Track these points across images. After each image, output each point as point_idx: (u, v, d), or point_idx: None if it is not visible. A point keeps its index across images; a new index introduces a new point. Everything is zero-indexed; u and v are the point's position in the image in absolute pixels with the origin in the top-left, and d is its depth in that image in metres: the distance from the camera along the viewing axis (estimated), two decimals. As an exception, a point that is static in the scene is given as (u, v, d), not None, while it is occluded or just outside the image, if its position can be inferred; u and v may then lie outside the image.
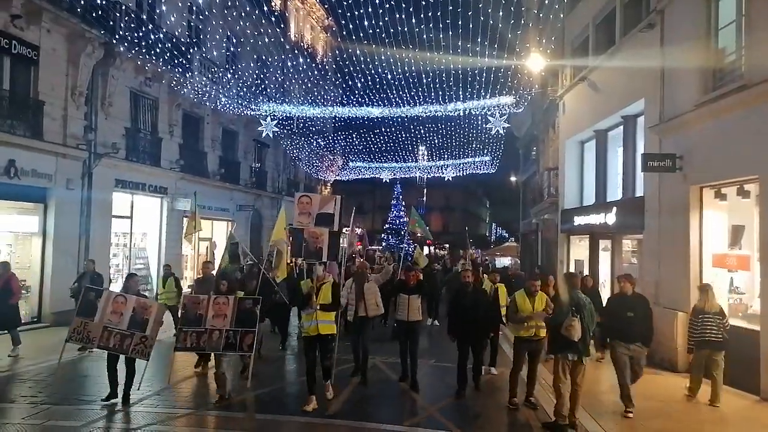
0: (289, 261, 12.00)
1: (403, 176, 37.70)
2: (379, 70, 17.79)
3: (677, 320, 10.04)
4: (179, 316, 7.99)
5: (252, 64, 23.22)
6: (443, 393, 8.33)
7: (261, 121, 20.78)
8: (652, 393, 8.39)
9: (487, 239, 74.11)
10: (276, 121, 21.26)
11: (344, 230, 14.35)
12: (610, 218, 13.69)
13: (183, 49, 17.87)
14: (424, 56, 16.27)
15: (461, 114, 20.71)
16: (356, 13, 13.45)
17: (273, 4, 25.76)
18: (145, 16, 16.90)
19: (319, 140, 29.58)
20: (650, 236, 11.81)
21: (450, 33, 14.14)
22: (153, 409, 7.39)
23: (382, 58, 16.83)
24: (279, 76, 26.18)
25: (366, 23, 13.78)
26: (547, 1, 15.41)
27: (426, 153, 36.93)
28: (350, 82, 19.67)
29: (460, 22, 13.21)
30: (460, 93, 19.20)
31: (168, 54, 16.56)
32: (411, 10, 13.19)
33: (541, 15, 17.51)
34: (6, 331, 10.37)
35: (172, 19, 17.88)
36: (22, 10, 12.64)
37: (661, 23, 11.53)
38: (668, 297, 10.71)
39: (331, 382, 7.95)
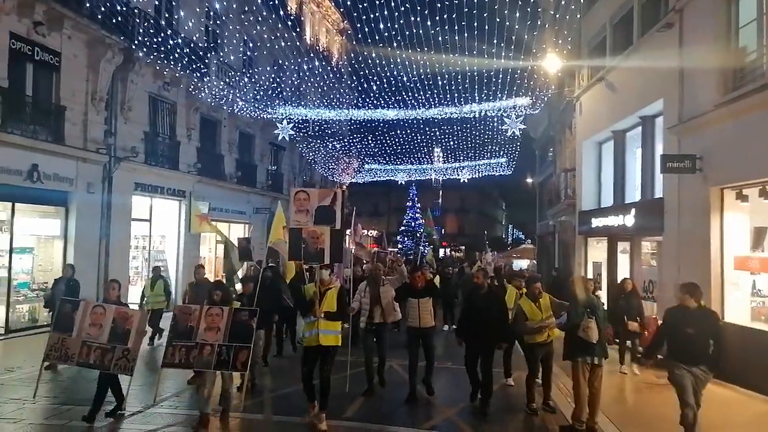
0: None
1: (418, 178, 37.67)
2: (395, 72, 17.83)
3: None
4: (169, 327, 7.20)
5: (268, 68, 23.40)
6: (460, 396, 8.25)
7: (277, 124, 20.89)
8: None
9: (503, 241, 73.66)
10: (292, 124, 21.37)
11: (347, 231, 13.96)
12: (629, 220, 13.54)
13: (201, 53, 18.08)
14: (440, 58, 16.27)
15: (477, 115, 20.65)
16: (371, 15, 13.50)
17: (289, 8, 25.95)
18: (163, 22, 17.14)
19: (335, 143, 29.68)
20: (670, 238, 11.66)
21: (466, 34, 14.14)
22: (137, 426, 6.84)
23: (398, 60, 16.87)
24: (295, 80, 26.33)
25: (381, 26, 13.82)
26: (563, 2, 15.31)
27: (441, 155, 36.87)
28: (365, 85, 19.75)
29: (475, 24, 13.19)
30: (476, 94, 19.14)
31: (186, 59, 16.77)
32: (426, 12, 13.20)
33: (557, 16, 17.39)
34: None
35: (190, 24, 18.11)
36: (44, 17, 12.89)
37: (679, 23, 11.39)
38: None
39: (326, 407, 6.84)
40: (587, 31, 17.60)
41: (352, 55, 31.81)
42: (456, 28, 13.72)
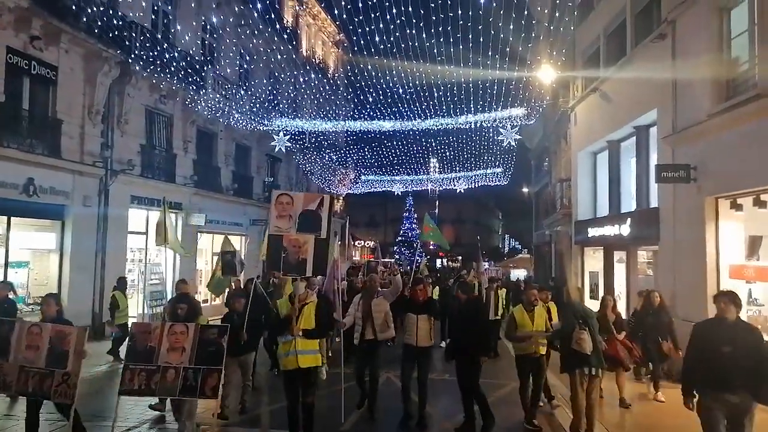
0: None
1: (414, 189, 37.72)
2: (390, 84, 17.94)
3: (695, 333, 9.90)
4: (126, 347, 6.38)
5: (264, 81, 23.48)
6: (458, 408, 8.14)
7: (274, 136, 20.95)
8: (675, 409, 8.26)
9: (500, 251, 73.73)
10: (288, 136, 21.43)
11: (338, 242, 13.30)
12: (625, 230, 13.58)
13: (197, 66, 18.15)
14: (435, 70, 16.37)
15: (472, 126, 20.76)
16: (367, 28, 13.60)
17: (285, 21, 26.12)
18: (160, 36, 17.22)
19: (332, 154, 29.75)
20: (665, 248, 11.70)
21: (461, 46, 14.24)
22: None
23: (393, 71, 16.97)
24: (291, 92, 26.43)
25: (377, 38, 13.91)
26: (557, 14, 15.48)
27: (437, 165, 36.98)
28: (362, 96, 19.86)
29: (470, 36, 13.30)
30: (472, 105, 19.27)
31: (182, 72, 16.83)
32: (422, 24, 13.31)
33: (551, 27, 17.56)
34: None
35: (187, 37, 18.20)
36: (42, 31, 12.94)
37: (672, 34, 11.52)
38: (685, 309, 10.56)
39: None
40: (581, 42, 17.76)
41: (348, 66, 32.04)
42: (451, 40, 13.83)
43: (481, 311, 7.94)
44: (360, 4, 12.80)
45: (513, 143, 19.71)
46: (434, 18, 12.97)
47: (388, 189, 35.33)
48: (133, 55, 15.12)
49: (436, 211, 62.68)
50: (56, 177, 13.51)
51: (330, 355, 10.80)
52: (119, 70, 15.13)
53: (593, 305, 15.84)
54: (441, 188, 39.60)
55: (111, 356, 11.52)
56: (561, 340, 7.01)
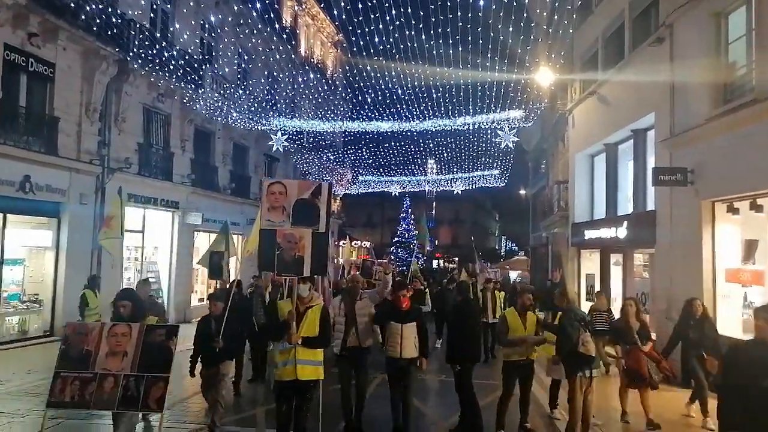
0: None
1: (412, 190, 37.77)
2: (389, 84, 17.95)
3: (691, 336, 9.92)
4: (59, 352, 5.54)
5: (263, 80, 23.46)
6: (455, 409, 7.77)
7: (272, 135, 20.94)
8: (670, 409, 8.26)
9: (496, 252, 73.83)
10: (286, 136, 21.43)
11: (341, 243, 12.78)
12: (621, 232, 13.62)
13: (195, 65, 18.12)
14: (434, 71, 16.40)
15: (470, 128, 20.79)
16: (366, 29, 13.61)
17: (284, 21, 26.11)
18: (158, 34, 17.18)
19: (329, 154, 29.75)
20: (662, 250, 11.73)
21: (459, 48, 14.27)
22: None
23: (392, 72, 16.99)
24: (289, 92, 26.43)
25: (376, 39, 13.93)
26: (556, 17, 15.51)
27: (435, 166, 37.03)
28: (360, 97, 19.87)
29: (469, 38, 13.34)
30: (470, 107, 19.31)
31: (181, 70, 16.80)
32: (420, 26, 13.33)
33: (550, 30, 17.59)
34: None
35: (185, 36, 18.17)
36: (39, 28, 12.89)
37: (670, 37, 11.56)
38: (680, 313, 10.58)
39: None
40: (579, 45, 17.81)
41: (347, 67, 32.03)
42: (450, 41, 13.86)
43: (470, 314, 7.43)
44: (359, 5, 12.82)
45: (511, 145, 19.75)
46: (433, 19, 13.01)
47: (386, 189, 35.40)
48: (131, 54, 15.09)
49: (434, 212, 62.78)
50: (53, 174, 13.46)
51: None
52: (117, 68, 15.09)
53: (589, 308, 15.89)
54: (438, 189, 39.68)
55: None
56: (562, 344, 6.85)
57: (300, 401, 5.61)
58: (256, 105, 21.63)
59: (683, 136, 10.88)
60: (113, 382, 5.20)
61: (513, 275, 34.17)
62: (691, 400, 7.95)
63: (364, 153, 28.86)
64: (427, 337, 7.01)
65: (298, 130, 23.96)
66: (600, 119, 15.64)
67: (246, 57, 23.18)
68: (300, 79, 26.57)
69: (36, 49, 13.06)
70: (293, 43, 26.94)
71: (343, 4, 25.49)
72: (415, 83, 17.49)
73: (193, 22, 18.74)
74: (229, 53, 21.25)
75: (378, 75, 17.29)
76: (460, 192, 34.68)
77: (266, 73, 24.45)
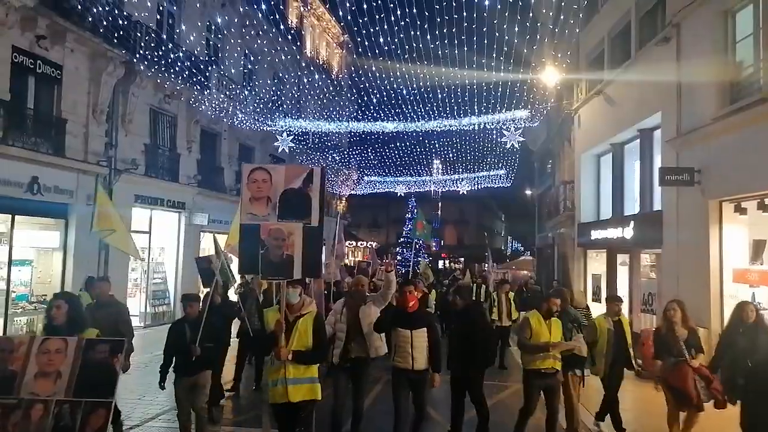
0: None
1: (417, 190, 37.76)
2: (394, 85, 17.97)
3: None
4: None
5: (269, 81, 23.54)
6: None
7: (277, 136, 21.00)
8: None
9: (502, 253, 73.65)
10: (292, 137, 21.48)
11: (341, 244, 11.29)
12: (628, 232, 13.56)
13: (201, 66, 18.20)
14: (439, 71, 16.41)
15: (476, 128, 20.78)
16: (371, 29, 13.62)
17: (289, 22, 26.17)
18: (165, 36, 17.27)
19: (335, 155, 29.80)
20: (669, 251, 11.67)
21: (465, 48, 14.29)
22: None
23: (397, 73, 17.01)
24: (295, 92, 26.48)
25: (381, 39, 13.96)
26: (562, 16, 15.47)
27: (440, 167, 36.99)
28: (365, 98, 19.90)
29: (474, 38, 13.33)
30: (475, 107, 19.30)
31: (187, 72, 16.87)
32: (426, 26, 13.33)
33: (556, 30, 17.54)
34: None
35: (192, 38, 18.25)
36: (47, 30, 12.98)
37: (677, 37, 11.50)
38: (688, 313, 10.53)
39: None
40: (585, 45, 17.75)
41: (352, 68, 32.11)
42: (455, 41, 13.86)
43: (479, 322, 6.79)
44: (364, 6, 12.83)
45: (516, 145, 19.71)
46: (438, 20, 13.00)
47: (391, 190, 35.39)
48: (138, 55, 15.17)
49: (439, 212, 62.68)
50: (60, 176, 13.54)
51: None
52: (124, 69, 15.17)
53: (598, 308, 15.85)
54: (444, 190, 39.60)
55: None
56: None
57: (291, 422, 4.95)
58: (261, 106, 21.69)
59: (690, 136, 10.83)
60: (43, 409, 4.12)
61: (520, 276, 34.12)
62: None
63: (370, 153, 28.90)
64: (439, 346, 6.07)
65: (304, 130, 24.02)
66: (606, 119, 15.58)
67: (252, 58, 23.26)
68: (305, 80, 26.64)
69: (44, 51, 13.14)
70: (299, 43, 26.99)
71: (348, 4, 25.52)
72: (421, 83, 17.52)
73: (199, 24, 18.83)
74: (235, 54, 21.33)
75: (383, 75, 17.32)
76: (465, 192, 34.64)
77: (272, 73, 24.53)
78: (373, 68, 16.92)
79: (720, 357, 6.53)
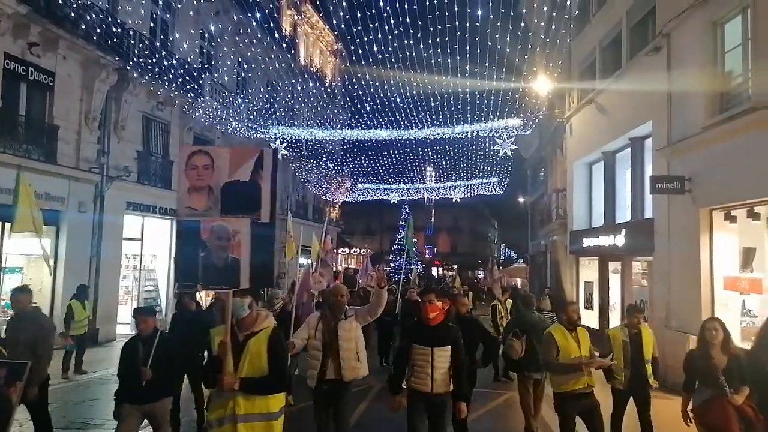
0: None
1: (411, 197, 37.84)
2: (387, 93, 18.04)
3: (689, 343, 9.90)
4: None
5: (262, 89, 23.56)
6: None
7: (270, 144, 20.99)
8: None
9: (496, 260, 73.75)
10: (285, 144, 21.48)
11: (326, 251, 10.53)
12: (620, 240, 13.63)
13: (195, 74, 18.19)
14: (432, 79, 16.50)
15: (469, 136, 20.88)
16: (365, 38, 13.69)
17: (283, 30, 26.25)
18: (158, 43, 17.26)
19: (328, 162, 29.82)
20: (660, 258, 11.74)
21: (458, 57, 14.35)
22: None
23: (391, 81, 17.08)
24: (288, 100, 26.51)
25: (374, 48, 14.01)
26: (553, 26, 15.60)
27: (434, 174, 37.09)
28: (359, 105, 19.93)
29: (467, 47, 13.41)
30: (468, 115, 19.40)
31: (180, 79, 16.87)
32: (419, 34, 13.41)
33: (547, 39, 17.69)
34: None
35: (185, 45, 18.25)
36: (40, 37, 12.95)
37: (667, 46, 11.63)
38: (679, 320, 10.60)
39: None
40: (577, 54, 17.90)
41: (346, 76, 32.15)
42: (448, 50, 13.94)
43: (473, 330, 6.34)
44: (358, 14, 12.90)
45: (509, 153, 19.83)
46: (431, 28, 13.08)
47: (385, 197, 35.44)
48: (131, 62, 15.15)
49: (432, 220, 62.77)
50: (52, 183, 13.46)
51: None
52: (117, 76, 15.15)
53: (589, 316, 15.91)
54: (437, 197, 39.70)
55: (65, 371, 10.58)
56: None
57: None
58: (255, 113, 21.70)
59: (680, 145, 10.93)
60: None
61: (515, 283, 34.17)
62: None
63: (363, 161, 28.95)
64: (462, 369, 5.15)
65: (297, 138, 24.03)
66: (598, 127, 15.70)
67: (245, 66, 23.29)
68: (299, 88, 26.67)
69: (36, 58, 13.10)
70: (292, 51, 27.06)
71: (342, 13, 25.63)
72: (414, 92, 17.60)
73: (192, 31, 18.83)
74: (229, 62, 21.35)
75: (377, 83, 17.39)
76: (459, 200, 34.75)
77: (265, 81, 24.56)
78: (367, 76, 16.99)
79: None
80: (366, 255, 17.09)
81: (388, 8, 12.33)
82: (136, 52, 15.43)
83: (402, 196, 35.84)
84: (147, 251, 17.77)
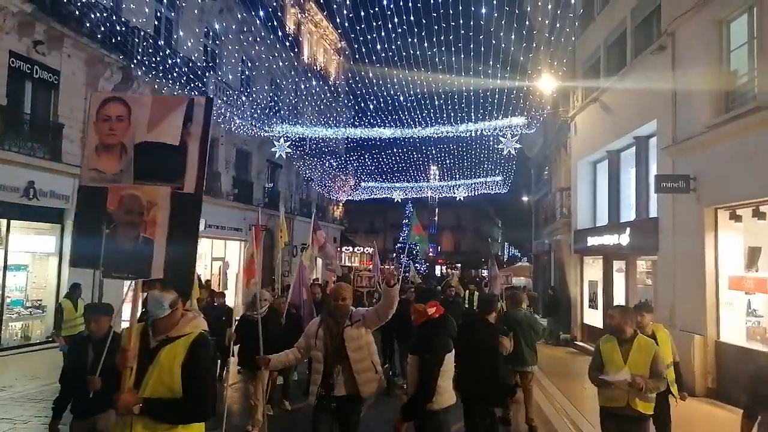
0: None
1: (414, 196, 37.83)
2: (391, 91, 18.04)
3: (694, 343, 9.89)
4: None
5: (266, 87, 23.57)
6: None
7: (274, 142, 21.03)
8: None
9: (499, 259, 73.70)
10: (289, 142, 21.50)
11: (322, 245, 9.92)
12: (624, 239, 13.59)
13: (199, 72, 18.22)
14: (436, 78, 16.48)
15: (473, 134, 20.86)
16: (369, 36, 13.68)
17: (287, 28, 26.26)
18: (162, 41, 17.29)
19: (332, 161, 29.84)
20: (665, 258, 11.71)
21: (462, 55, 14.35)
22: None
23: (395, 79, 17.08)
24: (292, 98, 26.53)
25: (378, 46, 14.00)
26: (558, 25, 15.57)
27: (437, 173, 37.09)
28: (362, 104, 19.97)
29: (472, 45, 13.41)
30: (472, 114, 19.39)
31: (184, 77, 16.90)
32: (423, 33, 13.41)
33: (552, 38, 17.65)
34: None
35: (189, 43, 18.28)
36: (45, 36, 12.99)
37: (672, 45, 11.58)
38: (684, 320, 10.56)
39: None
40: (581, 53, 17.84)
41: (350, 74, 32.16)
42: (453, 49, 13.93)
43: (482, 339, 5.63)
44: (362, 13, 12.90)
45: (513, 152, 19.80)
46: (435, 27, 13.07)
47: (388, 196, 35.45)
48: (135, 61, 15.18)
49: (436, 218, 62.76)
50: (57, 180, 13.51)
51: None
52: (121, 75, 15.18)
53: (593, 315, 15.88)
54: (441, 196, 39.69)
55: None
56: None
57: None
58: (259, 111, 21.73)
59: (685, 144, 10.89)
60: None
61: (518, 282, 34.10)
62: None
63: (367, 159, 28.96)
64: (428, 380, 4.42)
65: (301, 136, 24.05)
66: (602, 126, 15.65)
67: (249, 64, 23.31)
68: (303, 86, 26.69)
69: (41, 57, 13.14)
70: (296, 50, 27.06)
71: (346, 11, 25.63)
72: (418, 90, 17.58)
73: (196, 30, 18.87)
74: (233, 60, 21.37)
75: (381, 82, 17.38)
76: (462, 198, 34.72)
77: (269, 79, 24.57)
78: (371, 74, 17.00)
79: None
80: (375, 251, 16.40)
81: (391, 6, 12.33)
82: (140, 50, 15.46)
83: (406, 194, 35.85)
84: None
